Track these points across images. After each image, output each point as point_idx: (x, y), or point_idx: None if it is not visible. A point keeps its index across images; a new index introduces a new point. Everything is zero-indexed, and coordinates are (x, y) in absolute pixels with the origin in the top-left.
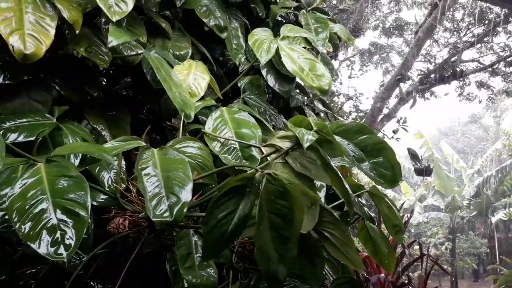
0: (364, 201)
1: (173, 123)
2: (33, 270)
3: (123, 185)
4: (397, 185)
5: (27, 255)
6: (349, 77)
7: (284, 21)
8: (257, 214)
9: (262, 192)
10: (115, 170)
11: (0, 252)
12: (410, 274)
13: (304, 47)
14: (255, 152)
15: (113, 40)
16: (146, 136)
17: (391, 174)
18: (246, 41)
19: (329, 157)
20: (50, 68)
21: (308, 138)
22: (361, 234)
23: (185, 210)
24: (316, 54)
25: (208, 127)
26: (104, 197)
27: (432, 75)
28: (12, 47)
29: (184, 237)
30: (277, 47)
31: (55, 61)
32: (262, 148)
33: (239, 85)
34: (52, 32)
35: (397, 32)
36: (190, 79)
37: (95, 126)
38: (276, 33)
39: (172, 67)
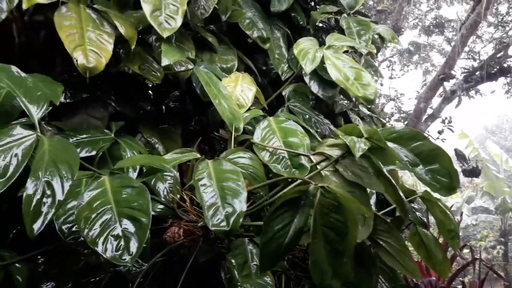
0: (416, 206)
1: (220, 134)
2: (96, 279)
3: (178, 196)
4: (455, 192)
5: (90, 265)
6: (390, 77)
7: (324, 27)
8: (312, 227)
9: (316, 206)
10: (170, 181)
11: (66, 262)
12: (460, 279)
13: (346, 51)
14: (304, 161)
15: (166, 60)
16: (196, 147)
17: (448, 181)
18: (288, 49)
19: (381, 164)
20: (105, 86)
21: (360, 147)
22: (413, 240)
23: (241, 220)
24: (360, 57)
25: (257, 137)
26: (161, 206)
27: (477, 73)
28: (76, 61)
29: (239, 246)
30: (322, 56)
31: (110, 78)
32: (311, 157)
33: (283, 93)
34: (110, 47)
35: (437, 30)
36: (237, 91)
37: (149, 139)
38: (317, 38)
39: (220, 80)
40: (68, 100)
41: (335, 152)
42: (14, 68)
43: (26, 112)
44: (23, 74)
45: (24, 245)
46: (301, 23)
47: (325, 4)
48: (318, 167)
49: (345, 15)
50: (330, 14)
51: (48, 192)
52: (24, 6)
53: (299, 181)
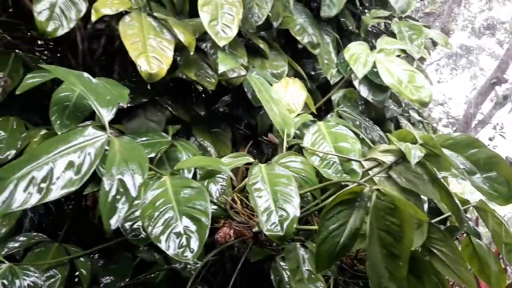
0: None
1: (269, 138)
2: (152, 275)
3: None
4: None
5: (145, 261)
6: (439, 82)
7: (374, 31)
8: (368, 230)
9: (371, 208)
10: (222, 183)
11: (125, 259)
12: None
13: (398, 55)
14: (355, 166)
15: (222, 67)
16: (246, 150)
17: (506, 190)
18: (337, 55)
19: (436, 171)
20: (162, 91)
21: (415, 154)
22: (465, 251)
23: (294, 225)
24: (412, 61)
25: (307, 142)
26: (215, 207)
27: None
28: (140, 67)
29: (292, 250)
30: (374, 60)
31: (166, 84)
32: (363, 162)
33: (332, 98)
34: (170, 54)
35: (488, 32)
36: (288, 96)
37: (201, 142)
38: (367, 42)
39: (271, 85)
40: (128, 104)
41: (388, 158)
42: (86, 74)
43: (98, 115)
44: (93, 80)
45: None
46: (350, 28)
47: (375, 8)
48: (370, 173)
49: (396, 19)
50: (381, 19)
51: (122, 189)
52: (93, 18)
53: (351, 186)
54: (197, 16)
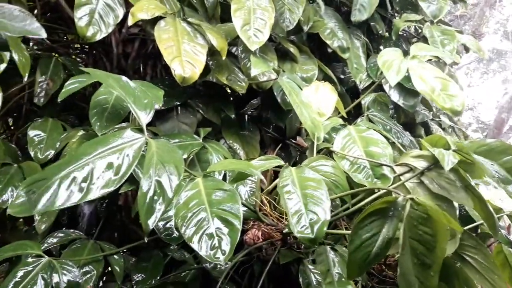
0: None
1: (298, 141)
2: (181, 274)
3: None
4: None
5: (176, 260)
6: (469, 86)
7: (404, 34)
8: (401, 239)
9: (405, 218)
10: (251, 185)
11: (155, 257)
12: None
13: (429, 60)
14: (387, 171)
15: (254, 71)
16: (274, 153)
17: None
18: (366, 59)
19: (470, 178)
20: (193, 94)
21: (449, 160)
22: (497, 259)
23: (325, 228)
24: (444, 66)
25: (337, 146)
26: (245, 209)
27: None
28: (174, 71)
29: (322, 253)
30: (407, 67)
31: (197, 87)
32: (394, 167)
33: (362, 102)
34: (203, 58)
35: None
36: (318, 100)
37: (231, 144)
38: (397, 46)
39: (301, 89)
40: (162, 107)
41: (421, 164)
42: (124, 78)
43: (136, 117)
44: (131, 84)
45: (115, 239)
46: (380, 32)
47: (406, 12)
48: (402, 178)
49: (428, 23)
50: (413, 23)
51: (159, 190)
52: (130, 22)
53: (382, 191)
54: (229, 20)
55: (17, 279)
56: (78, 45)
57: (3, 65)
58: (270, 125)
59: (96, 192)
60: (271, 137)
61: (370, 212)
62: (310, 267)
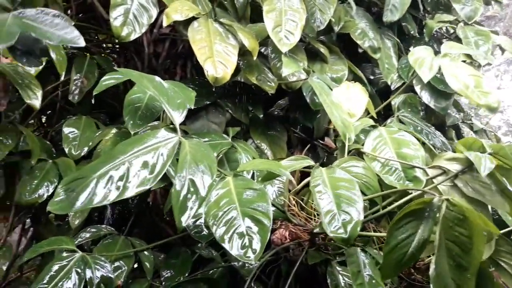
0: None
1: (326, 142)
2: (209, 272)
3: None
4: None
5: (204, 258)
6: (498, 88)
7: (436, 35)
8: (436, 240)
9: (440, 219)
10: (279, 185)
11: (184, 254)
12: None
13: (464, 61)
14: (419, 174)
15: (285, 71)
16: (302, 154)
17: None
18: (398, 59)
19: (506, 182)
20: (223, 94)
21: (486, 164)
22: None
23: (358, 228)
24: (478, 68)
25: (368, 147)
26: (273, 209)
27: None
28: (207, 71)
29: (353, 254)
30: (439, 65)
31: (226, 87)
32: (427, 170)
33: (392, 103)
34: (235, 59)
35: None
36: (348, 100)
37: (259, 144)
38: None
39: (331, 89)
40: (192, 107)
41: (454, 167)
42: (157, 78)
43: (170, 117)
44: (164, 84)
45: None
46: (412, 32)
47: (438, 13)
48: (435, 181)
49: (461, 24)
50: (446, 23)
51: (192, 189)
52: (164, 23)
53: (414, 193)
54: (258, 21)
55: (52, 273)
56: (110, 45)
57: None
58: (297, 126)
59: (132, 190)
60: (298, 137)
61: (406, 213)
62: (338, 268)
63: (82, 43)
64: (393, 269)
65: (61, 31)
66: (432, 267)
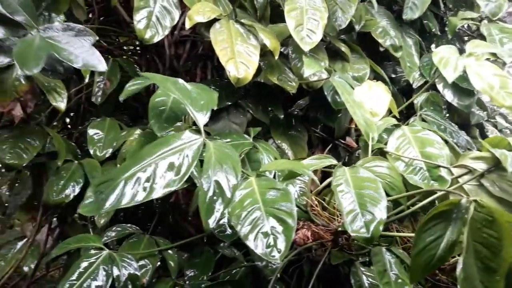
0: None
1: (347, 141)
2: (232, 272)
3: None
4: None
5: (226, 257)
6: None
7: (459, 32)
8: (464, 242)
9: (468, 220)
10: (300, 185)
11: (207, 253)
12: None
13: (488, 59)
14: (444, 173)
15: (307, 71)
16: (322, 153)
17: None
18: (419, 58)
19: None
20: (244, 94)
21: None
22: None
23: (381, 228)
24: (502, 66)
25: (391, 147)
26: (295, 208)
27: None
28: (229, 72)
29: (378, 254)
30: (464, 64)
31: (247, 87)
32: (452, 169)
33: (415, 102)
34: (256, 59)
35: None
36: (370, 99)
37: (279, 144)
38: (450, 44)
39: (353, 88)
40: (214, 108)
41: (480, 166)
42: (180, 81)
43: (194, 119)
44: (187, 86)
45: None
46: (433, 30)
47: (460, 9)
48: (460, 180)
49: (485, 21)
50: (469, 21)
51: (218, 190)
52: (187, 25)
53: (439, 193)
54: (277, 22)
55: (81, 269)
56: (131, 47)
57: None
58: (317, 125)
59: (159, 192)
60: (318, 137)
61: (434, 215)
62: (362, 269)
63: (103, 68)
64: (422, 271)
65: (85, 54)
66: (459, 268)
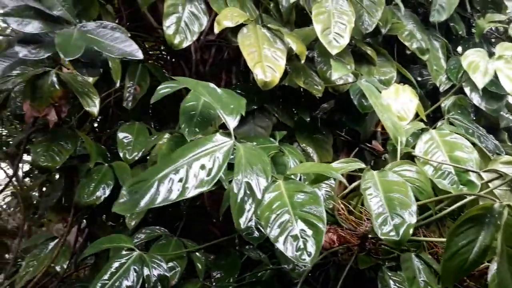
0: None
1: (374, 145)
2: (258, 274)
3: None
4: None
5: (252, 260)
6: None
7: (486, 34)
8: (499, 247)
9: (502, 225)
10: (326, 189)
11: (233, 255)
12: None
13: None
14: (473, 177)
15: (335, 74)
16: (347, 157)
17: None
18: (446, 61)
19: None
20: (269, 98)
21: None
22: None
23: (410, 231)
24: None
25: (419, 151)
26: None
27: None
28: (256, 76)
29: (407, 260)
30: (494, 69)
31: (272, 91)
32: (482, 174)
33: (442, 105)
34: (283, 63)
35: None
36: (398, 103)
37: (304, 148)
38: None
39: (380, 92)
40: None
41: (511, 170)
42: (211, 85)
43: (224, 122)
44: (218, 90)
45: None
46: (460, 32)
47: (487, 12)
48: (490, 185)
49: None
50: (497, 23)
51: (248, 191)
52: (216, 30)
53: (469, 198)
54: (302, 26)
55: (112, 269)
56: (158, 52)
57: None
58: (342, 129)
59: (191, 192)
60: (343, 141)
61: (466, 219)
62: (389, 273)
63: (140, 55)
64: (453, 276)
65: (121, 45)
66: (491, 273)
